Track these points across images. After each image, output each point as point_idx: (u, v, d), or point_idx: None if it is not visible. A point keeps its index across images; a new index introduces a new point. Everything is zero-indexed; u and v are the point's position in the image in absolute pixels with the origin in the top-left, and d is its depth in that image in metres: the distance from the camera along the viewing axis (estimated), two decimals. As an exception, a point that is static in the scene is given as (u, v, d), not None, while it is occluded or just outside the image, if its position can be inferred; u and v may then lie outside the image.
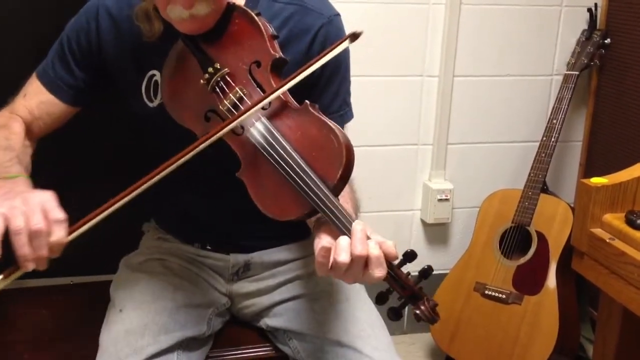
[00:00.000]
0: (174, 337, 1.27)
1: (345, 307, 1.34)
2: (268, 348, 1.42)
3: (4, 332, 1.46)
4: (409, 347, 2.43)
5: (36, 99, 1.32)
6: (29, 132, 1.31)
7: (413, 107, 2.28)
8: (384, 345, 1.30)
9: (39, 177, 1.16)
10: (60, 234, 0.98)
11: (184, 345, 1.28)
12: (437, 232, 2.44)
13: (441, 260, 2.44)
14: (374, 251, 1.00)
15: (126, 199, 1.03)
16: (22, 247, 0.96)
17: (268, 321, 1.40)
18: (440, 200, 2.32)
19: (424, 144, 2.32)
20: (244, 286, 1.43)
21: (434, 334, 2.25)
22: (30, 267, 0.97)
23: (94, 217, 1.01)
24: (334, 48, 1.14)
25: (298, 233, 1.45)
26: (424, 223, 2.40)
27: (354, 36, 1.14)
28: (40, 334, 1.45)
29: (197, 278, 1.41)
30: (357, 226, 1.01)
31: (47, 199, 1.00)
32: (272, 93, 1.11)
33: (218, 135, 1.09)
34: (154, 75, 1.30)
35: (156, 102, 1.30)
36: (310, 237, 1.44)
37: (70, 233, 1.00)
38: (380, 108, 2.23)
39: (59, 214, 0.99)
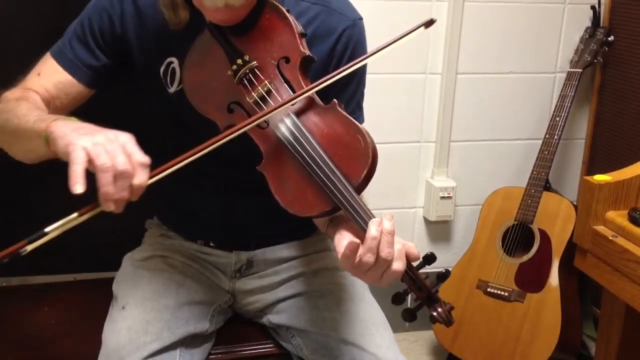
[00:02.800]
0: (177, 334, 1.27)
1: (348, 305, 1.34)
2: (271, 345, 1.42)
3: (7, 329, 1.46)
4: (411, 345, 2.43)
5: (53, 79, 1.30)
6: (48, 108, 1.27)
7: (416, 105, 2.28)
8: (387, 343, 1.30)
9: (53, 167, 1.14)
10: (143, 177, 0.96)
11: (187, 342, 1.28)
12: (439, 230, 2.44)
13: (444, 258, 2.44)
14: (398, 255, 1.01)
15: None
16: (107, 185, 0.93)
17: (271, 318, 1.40)
18: (442, 197, 2.32)
19: (426, 142, 2.32)
20: (247, 283, 1.43)
21: (437, 332, 2.25)
22: (111, 207, 0.95)
23: (171, 166, 1.02)
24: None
25: (301, 231, 1.45)
26: (426, 221, 2.40)
27: (430, 22, 1.14)
28: (43, 330, 1.45)
29: (200, 275, 1.41)
30: (387, 226, 1.01)
31: (129, 140, 0.98)
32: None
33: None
34: (171, 62, 1.29)
35: (173, 89, 1.30)
36: (314, 236, 1.46)
37: (150, 178, 0.99)
38: (383, 105, 2.23)
39: (142, 157, 0.97)
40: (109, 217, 1.02)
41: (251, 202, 1.13)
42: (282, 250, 1.44)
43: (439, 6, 2.20)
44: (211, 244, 1.43)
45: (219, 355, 1.38)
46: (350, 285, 1.38)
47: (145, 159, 0.97)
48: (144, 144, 1.01)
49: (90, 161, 0.93)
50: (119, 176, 0.94)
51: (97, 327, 1.32)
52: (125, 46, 1.31)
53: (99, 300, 1.43)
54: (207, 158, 1.07)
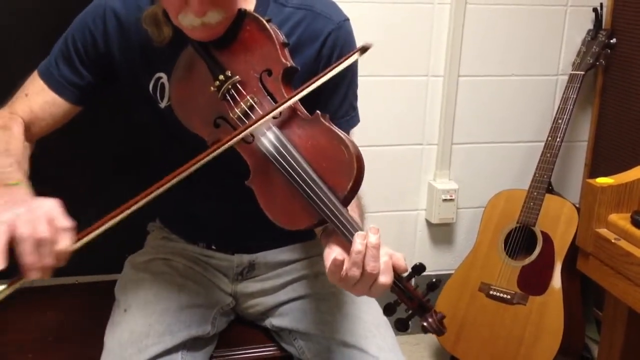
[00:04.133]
0: (179, 337, 1.27)
1: (350, 308, 1.34)
2: (273, 348, 1.42)
3: (9, 332, 1.46)
4: (413, 347, 2.43)
5: (39, 99, 1.30)
6: (28, 132, 1.28)
7: (418, 107, 2.28)
8: (389, 346, 1.30)
9: (48, 181, 1.15)
10: (65, 242, 0.96)
11: (189, 345, 1.29)
12: (441, 232, 2.44)
13: (446, 261, 2.44)
14: (385, 268, 1.01)
15: (135, 207, 1.02)
16: (28, 255, 0.93)
17: (273, 321, 1.40)
18: (445, 200, 2.32)
19: (428, 144, 2.32)
20: (249, 286, 1.43)
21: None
22: (35, 276, 0.94)
23: (101, 225, 1.00)
24: (343, 61, 1.14)
25: (303, 234, 1.44)
26: (428, 223, 2.40)
27: (364, 49, 1.13)
28: (45, 333, 1.45)
29: (202, 278, 1.41)
30: (372, 240, 1.01)
31: (52, 206, 0.97)
32: (283, 103, 1.10)
33: (229, 143, 1.08)
34: (160, 77, 1.29)
35: (164, 104, 1.30)
36: (315, 238, 1.46)
37: (76, 241, 0.98)
38: (385, 108, 2.23)
39: (64, 222, 0.96)
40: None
41: (252, 205, 1.12)
42: (284, 253, 1.44)
43: (440, 9, 2.19)
44: (213, 247, 1.43)
45: (221, 358, 1.38)
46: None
47: (67, 223, 0.96)
48: (142, 154, 1.00)
49: (11, 233, 0.92)
50: (39, 244, 0.93)
51: (99, 330, 1.32)
52: (109, 63, 1.30)
53: (101, 303, 1.43)
54: (206, 165, 1.07)
